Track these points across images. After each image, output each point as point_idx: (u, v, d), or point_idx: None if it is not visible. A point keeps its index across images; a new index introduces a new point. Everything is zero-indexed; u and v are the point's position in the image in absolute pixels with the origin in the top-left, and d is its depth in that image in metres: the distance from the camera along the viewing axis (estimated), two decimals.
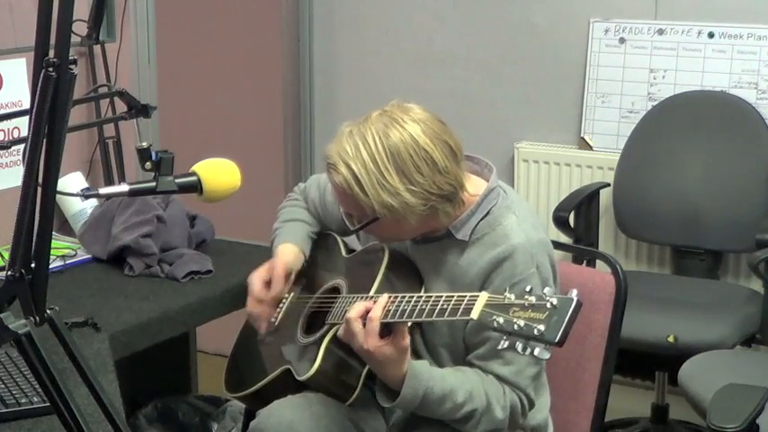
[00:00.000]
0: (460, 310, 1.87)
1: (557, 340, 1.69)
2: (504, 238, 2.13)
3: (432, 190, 2.06)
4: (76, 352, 1.49)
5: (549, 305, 1.71)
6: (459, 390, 2.07)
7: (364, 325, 2.01)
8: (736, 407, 2.24)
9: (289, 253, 2.41)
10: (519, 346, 1.72)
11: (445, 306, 1.91)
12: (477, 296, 1.84)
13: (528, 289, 1.77)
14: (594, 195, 3.71)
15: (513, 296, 1.77)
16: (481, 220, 2.16)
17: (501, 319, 1.76)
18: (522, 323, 1.72)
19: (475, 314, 1.82)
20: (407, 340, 2.02)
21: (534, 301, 1.73)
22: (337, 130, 2.14)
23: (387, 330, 2.02)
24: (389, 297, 2.03)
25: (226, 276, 2.78)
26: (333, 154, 2.09)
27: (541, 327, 1.70)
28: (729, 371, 2.85)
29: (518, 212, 2.18)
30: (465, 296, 1.88)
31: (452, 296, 1.91)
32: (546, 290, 1.75)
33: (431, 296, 1.96)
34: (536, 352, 1.71)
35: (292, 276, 2.41)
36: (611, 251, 3.77)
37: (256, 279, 2.38)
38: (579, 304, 1.72)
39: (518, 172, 3.98)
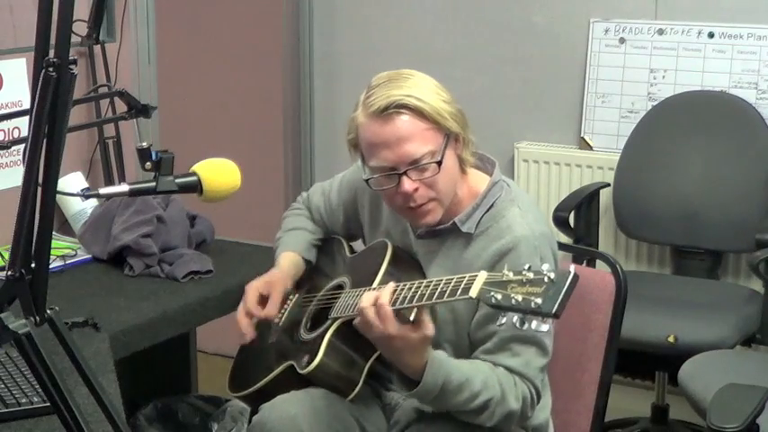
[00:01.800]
0: (460, 289, 1.88)
1: (553, 311, 1.70)
2: (508, 230, 2.15)
3: (459, 107, 2.17)
4: (76, 352, 1.49)
5: (546, 279, 1.72)
6: (475, 379, 2.06)
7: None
8: (736, 407, 2.24)
9: (291, 265, 2.43)
10: (516, 320, 1.73)
11: (445, 288, 1.92)
12: (476, 276, 1.85)
13: (527, 267, 1.78)
14: (594, 195, 3.71)
15: (511, 273, 1.78)
16: (485, 213, 2.19)
17: (499, 296, 1.77)
18: (519, 298, 1.73)
19: (474, 292, 1.83)
20: (431, 330, 2.00)
21: (532, 277, 1.75)
22: (358, 102, 2.18)
23: (402, 320, 2.03)
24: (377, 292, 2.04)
25: (226, 276, 2.78)
26: (386, 100, 2.10)
27: (538, 300, 1.71)
28: (729, 371, 2.85)
29: (521, 205, 2.20)
30: (465, 277, 1.89)
31: (452, 278, 1.92)
32: (544, 266, 1.76)
33: (431, 281, 1.96)
34: (533, 325, 1.72)
35: (289, 299, 2.44)
36: (611, 251, 3.77)
37: (252, 292, 2.36)
38: (576, 277, 1.73)
39: (518, 172, 3.98)
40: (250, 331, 2.34)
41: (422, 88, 2.12)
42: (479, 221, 2.19)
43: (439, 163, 2.11)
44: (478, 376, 2.08)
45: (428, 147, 2.11)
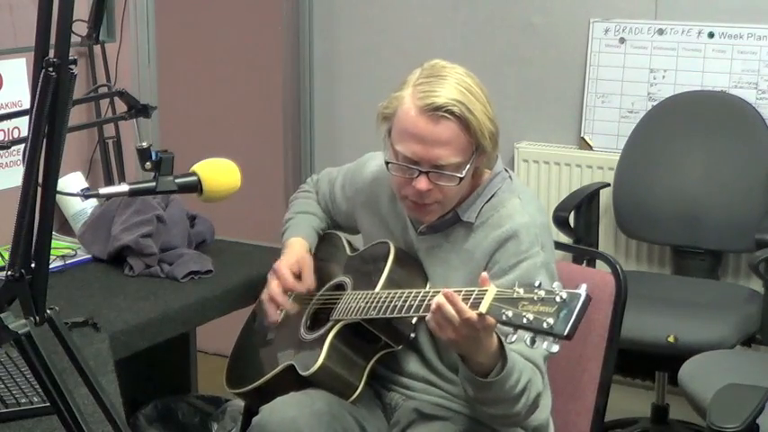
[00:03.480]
0: (469, 304, 1.86)
1: (566, 333, 1.69)
2: (508, 218, 2.16)
3: (498, 125, 2.15)
4: (76, 352, 1.49)
5: (558, 299, 1.72)
6: (516, 357, 2.02)
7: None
8: (736, 407, 2.24)
9: (301, 247, 2.43)
10: (528, 339, 1.73)
11: None
12: (486, 290, 1.84)
13: (537, 284, 1.77)
14: (594, 195, 3.71)
15: (521, 290, 1.77)
16: (486, 203, 2.20)
17: (510, 313, 1.76)
18: (531, 316, 1.72)
19: (483, 308, 1.82)
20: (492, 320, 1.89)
21: (543, 295, 1.74)
22: (402, 88, 2.16)
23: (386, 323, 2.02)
24: (394, 293, 2.03)
25: (226, 276, 2.78)
26: (443, 99, 2.08)
27: (550, 320, 1.70)
28: (729, 371, 2.85)
29: (522, 196, 2.22)
30: (473, 290, 1.88)
31: (461, 290, 1.90)
32: (555, 284, 1.75)
33: (438, 291, 1.95)
34: (545, 345, 1.71)
35: (288, 295, 2.42)
36: (611, 251, 3.77)
37: (286, 269, 2.37)
38: (588, 298, 1.72)
39: (518, 172, 3.98)
40: (277, 314, 2.37)
41: (476, 99, 2.11)
42: (480, 211, 2.20)
43: (461, 178, 2.12)
44: (514, 355, 2.02)
45: (458, 158, 2.11)
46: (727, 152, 3.59)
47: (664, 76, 3.79)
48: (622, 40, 3.84)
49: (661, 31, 3.78)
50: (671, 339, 3.14)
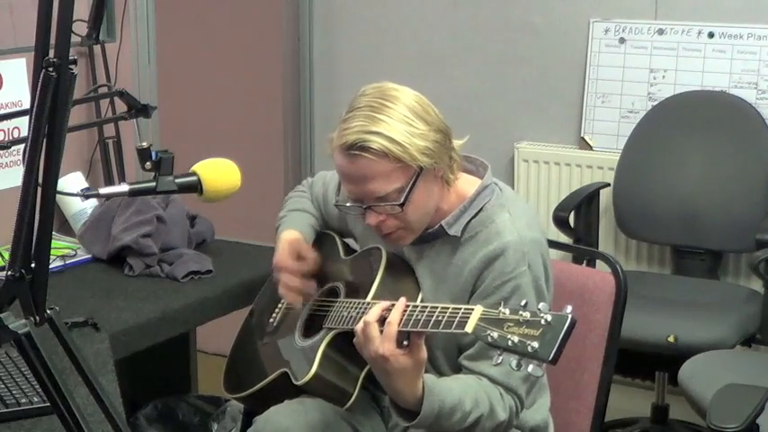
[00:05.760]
0: (455, 322, 1.85)
1: (550, 358, 1.67)
2: (497, 235, 2.12)
3: (443, 127, 2.10)
4: (76, 352, 1.49)
5: (543, 322, 1.70)
6: (466, 398, 2.04)
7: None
8: (736, 407, 2.24)
9: (292, 235, 2.41)
10: (513, 362, 1.71)
11: (440, 318, 1.88)
12: (472, 309, 1.83)
13: (523, 303, 1.77)
14: (594, 195, 3.71)
15: (507, 311, 1.75)
16: (474, 217, 2.16)
17: (495, 334, 1.74)
18: (516, 339, 1.71)
19: (469, 327, 1.80)
20: (425, 353, 1.97)
21: (529, 317, 1.72)
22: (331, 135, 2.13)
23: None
24: (386, 305, 2.03)
25: (226, 276, 2.78)
26: (353, 136, 2.04)
27: (535, 344, 1.69)
28: (729, 371, 2.85)
29: (512, 210, 2.17)
30: (460, 308, 1.86)
31: (447, 308, 1.89)
32: (541, 305, 1.73)
33: (426, 306, 1.94)
34: (530, 369, 1.69)
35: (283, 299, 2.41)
36: (611, 251, 3.77)
37: (286, 258, 2.34)
38: (574, 321, 1.70)
39: (518, 172, 3.98)
40: (299, 297, 2.33)
41: (396, 122, 2.04)
42: (468, 225, 2.15)
43: (402, 204, 2.07)
44: (468, 394, 2.05)
45: (394, 185, 2.06)
46: (727, 152, 3.60)
47: (664, 76, 3.79)
48: (622, 40, 3.84)
49: (661, 31, 3.78)
50: (671, 339, 3.14)
